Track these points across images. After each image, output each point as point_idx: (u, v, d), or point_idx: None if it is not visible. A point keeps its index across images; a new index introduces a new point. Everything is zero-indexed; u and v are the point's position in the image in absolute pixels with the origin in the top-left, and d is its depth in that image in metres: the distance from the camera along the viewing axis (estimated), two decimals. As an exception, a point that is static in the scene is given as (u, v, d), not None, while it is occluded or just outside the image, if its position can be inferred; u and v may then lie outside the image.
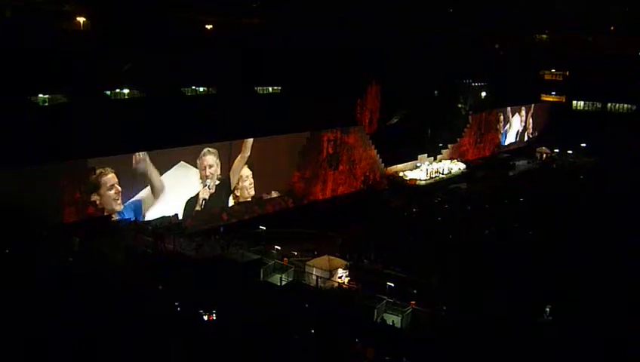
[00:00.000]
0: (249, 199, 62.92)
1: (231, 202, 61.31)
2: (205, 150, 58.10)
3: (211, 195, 59.26)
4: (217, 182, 59.56)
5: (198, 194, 58.26)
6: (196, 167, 57.42)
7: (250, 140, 61.75)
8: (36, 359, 27.23)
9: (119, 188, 51.42)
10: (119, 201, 51.51)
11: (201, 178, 58.10)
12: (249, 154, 61.80)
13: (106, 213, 50.66)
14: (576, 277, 45.54)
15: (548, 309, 37.93)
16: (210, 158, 58.72)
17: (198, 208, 58.17)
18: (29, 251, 37.04)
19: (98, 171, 50.05)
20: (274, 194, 65.55)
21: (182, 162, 55.86)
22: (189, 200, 57.32)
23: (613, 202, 70.24)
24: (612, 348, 33.80)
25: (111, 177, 50.86)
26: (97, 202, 50.17)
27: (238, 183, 61.51)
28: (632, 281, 44.31)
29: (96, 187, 50.06)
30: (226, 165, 60.05)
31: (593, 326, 36.39)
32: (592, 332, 35.54)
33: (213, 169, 59.03)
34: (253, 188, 62.92)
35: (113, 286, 34.21)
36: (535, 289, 42.57)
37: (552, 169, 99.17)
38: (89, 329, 29.24)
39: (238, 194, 61.76)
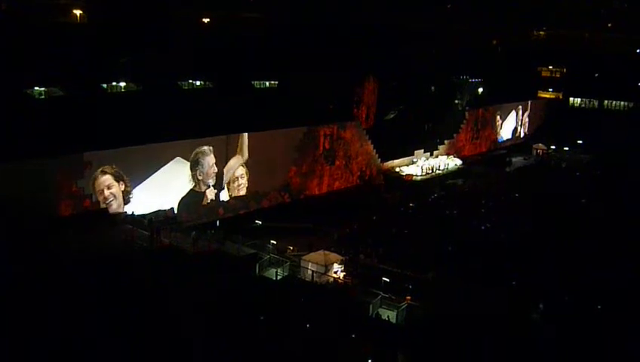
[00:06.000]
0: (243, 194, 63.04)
1: (226, 196, 61.29)
2: (206, 149, 58.28)
3: (216, 193, 59.93)
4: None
5: (204, 193, 58.77)
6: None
7: (247, 140, 61.63)
8: (34, 353, 27.27)
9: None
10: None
11: (203, 179, 58.38)
12: (247, 156, 61.95)
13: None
14: (572, 274, 45.59)
15: (541, 306, 37.98)
16: (212, 158, 58.94)
17: (205, 203, 59.02)
18: (26, 244, 37.02)
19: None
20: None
21: (178, 158, 55.82)
22: (191, 196, 57.51)
23: (611, 199, 70.46)
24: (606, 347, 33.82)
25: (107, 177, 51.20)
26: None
27: (230, 181, 61.47)
28: (628, 280, 44.29)
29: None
30: (222, 160, 60.00)
31: (587, 325, 36.41)
32: (585, 331, 35.55)
33: (214, 169, 59.36)
34: (245, 189, 62.74)
35: (110, 279, 34.22)
36: (530, 286, 42.64)
37: (549, 165, 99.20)
38: (85, 323, 29.28)
39: (230, 193, 61.69)
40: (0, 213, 38.91)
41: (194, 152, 57.44)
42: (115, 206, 51.33)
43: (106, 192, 50.81)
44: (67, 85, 58.24)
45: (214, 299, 33.73)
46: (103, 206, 50.59)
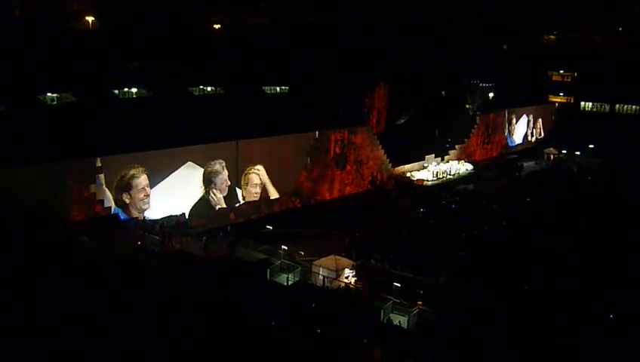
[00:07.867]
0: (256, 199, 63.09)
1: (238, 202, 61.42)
2: (218, 167, 58.80)
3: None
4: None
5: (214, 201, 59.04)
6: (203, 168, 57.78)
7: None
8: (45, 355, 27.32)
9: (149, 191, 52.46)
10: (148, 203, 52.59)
11: (216, 194, 58.73)
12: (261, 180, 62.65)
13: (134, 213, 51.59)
14: (585, 278, 45.38)
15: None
16: (224, 173, 59.35)
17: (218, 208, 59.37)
18: (38, 249, 37.11)
19: (131, 173, 50.83)
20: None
21: (189, 162, 55.99)
22: (202, 204, 57.65)
23: (622, 203, 70.09)
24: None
25: (142, 180, 51.92)
26: (127, 202, 51.17)
27: (245, 186, 61.80)
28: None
29: (128, 187, 51.10)
30: (232, 166, 60.08)
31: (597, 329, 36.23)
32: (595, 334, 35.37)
33: (227, 183, 59.78)
34: (258, 196, 62.90)
35: (122, 283, 34.26)
36: (543, 290, 42.46)
37: (560, 170, 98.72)
38: (95, 328, 29.31)
39: (244, 198, 61.90)
40: (12, 218, 39.04)
41: (206, 171, 57.66)
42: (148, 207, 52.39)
43: (148, 191, 52.25)
44: (79, 91, 58.51)
45: (225, 304, 33.71)
46: (141, 207, 51.76)
